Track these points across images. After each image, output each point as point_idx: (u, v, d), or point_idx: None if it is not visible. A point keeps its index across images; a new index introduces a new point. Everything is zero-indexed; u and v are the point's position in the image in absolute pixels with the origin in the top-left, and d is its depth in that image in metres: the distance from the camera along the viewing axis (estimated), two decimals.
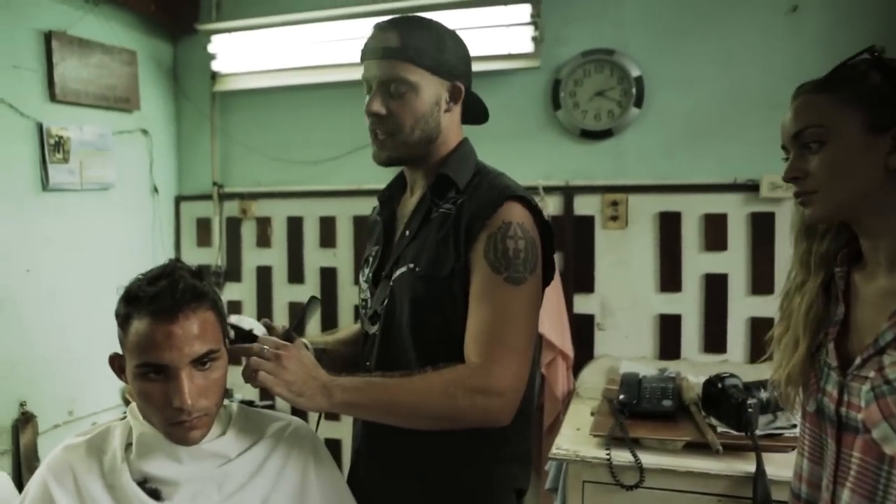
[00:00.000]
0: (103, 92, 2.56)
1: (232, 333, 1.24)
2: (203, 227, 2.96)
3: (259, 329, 1.28)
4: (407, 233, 1.32)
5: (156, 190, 2.85)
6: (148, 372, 1.08)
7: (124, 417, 1.20)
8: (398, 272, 1.28)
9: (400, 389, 1.16)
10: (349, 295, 2.75)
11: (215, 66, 2.83)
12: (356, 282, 1.49)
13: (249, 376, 1.13)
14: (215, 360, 1.12)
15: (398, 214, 1.40)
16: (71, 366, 2.44)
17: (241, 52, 2.80)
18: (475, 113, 1.40)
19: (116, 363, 1.16)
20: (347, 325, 1.72)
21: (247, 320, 1.30)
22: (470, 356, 1.18)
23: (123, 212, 2.70)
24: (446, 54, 1.28)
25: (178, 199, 2.99)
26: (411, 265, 1.27)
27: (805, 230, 1.11)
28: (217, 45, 2.80)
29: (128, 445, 1.15)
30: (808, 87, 1.02)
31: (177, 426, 1.09)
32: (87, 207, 2.53)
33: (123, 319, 1.11)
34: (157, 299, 1.07)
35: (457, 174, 1.29)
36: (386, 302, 1.30)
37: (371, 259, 1.41)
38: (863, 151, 0.96)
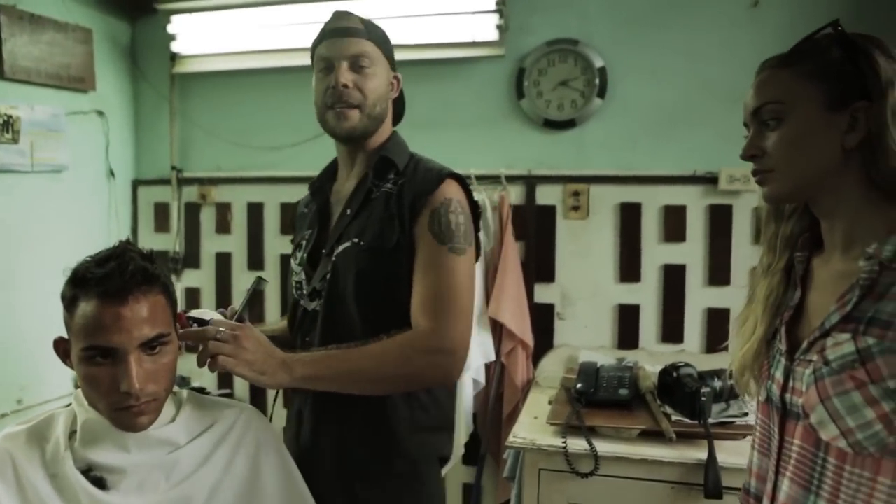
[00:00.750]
0: (56, 70, 2.48)
1: (195, 327, 1.24)
2: (161, 212, 2.90)
3: (218, 318, 1.29)
4: (348, 211, 1.40)
5: (112, 173, 2.78)
6: (95, 356, 1.05)
7: (69, 405, 1.17)
8: (341, 248, 1.36)
9: (359, 357, 1.23)
10: None
11: (175, 47, 2.77)
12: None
13: (205, 361, 1.13)
14: (165, 343, 1.10)
15: (331, 200, 1.48)
16: (21, 353, 2.37)
17: (202, 34, 2.74)
18: (397, 111, 1.52)
19: (61, 347, 1.12)
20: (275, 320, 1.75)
21: (208, 313, 1.32)
22: (419, 320, 1.28)
23: (78, 195, 2.63)
24: (391, 48, 1.43)
25: (136, 184, 2.93)
26: (355, 240, 1.35)
27: (773, 212, 1.07)
28: (177, 25, 2.73)
29: (72, 433, 1.12)
30: (770, 62, 0.99)
31: (124, 411, 1.07)
32: (39, 190, 2.46)
33: (70, 302, 1.07)
34: (106, 280, 1.05)
35: (397, 157, 1.40)
36: (328, 276, 1.36)
37: (304, 243, 1.47)
38: (821, 129, 0.92)
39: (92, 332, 1.04)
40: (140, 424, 1.08)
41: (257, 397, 2.79)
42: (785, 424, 0.98)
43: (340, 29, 1.36)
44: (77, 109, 2.61)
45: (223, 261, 2.84)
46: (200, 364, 1.13)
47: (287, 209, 2.75)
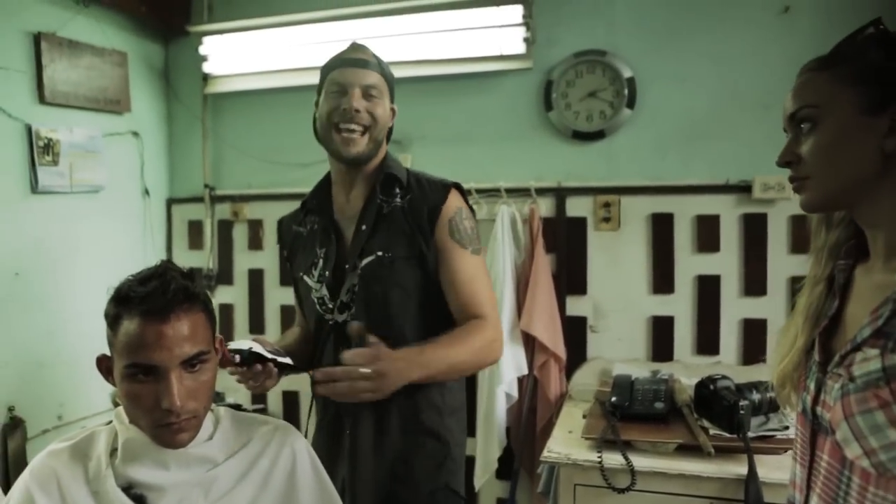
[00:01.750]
0: (94, 94, 2.55)
1: (237, 358, 1.34)
2: (195, 229, 2.95)
3: (257, 347, 1.39)
4: (363, 227, 1.50)
5: (147, 192, 2.84)
6: (137, 373, 1.07)
7: (110, 422, 1.19)
8: (365, 261, 1.48)
9: (457, 352, 1.39)
10: None
11: (207, 67, 2.82)
12: (300, 283, 1.62)
13: (322, 392, 1.23)
14: (205, 361, 1.12)
15: (337, 218, 1.57)
16: (60, 370, 2.42)
17: (232, 54, 2.79)
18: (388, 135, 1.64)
19: (104, 365, 1.14)
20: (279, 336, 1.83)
21: (245, 343, 1.40)
22: (472, 314, 1.44)
23: (114, 214, 2.68)
24: (394, 83, 1.58)
25: (170, 202, 2.98)
26: (380, 253, 1.47)
27: (822, 221, 1.03)
28: (208, 46, 2.79)
29: (113, 451, 1.14)
30: (810, 65, 0.95)
31: (164, 428, 1.08)
32: (78, 210, 2.52)
33: (113, 320, 1.09)
34: (149, 299, 1.07)
35: (399, 173, 1.54)
36: (357, 288, 1.48)
37: (321, 261, 1.55)
38: (857, 133, 0.88)
39: (135, 350, 1.06)
40: (180, 441, 1.10)
41: (290, 411, 2.81)
42: (816, 438, 0.95)
43: (357, 60, 1.50)
44: (113, 131, 2.67)
45: (256, 277, 2.87)
46: (322, 392, 1.23)
47: None
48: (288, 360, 1.45)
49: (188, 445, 1.12)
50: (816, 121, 0.91)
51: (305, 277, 1.58)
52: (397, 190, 1.51)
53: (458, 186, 1.54)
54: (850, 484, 0.87)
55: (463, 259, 1.47)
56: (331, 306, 1.51)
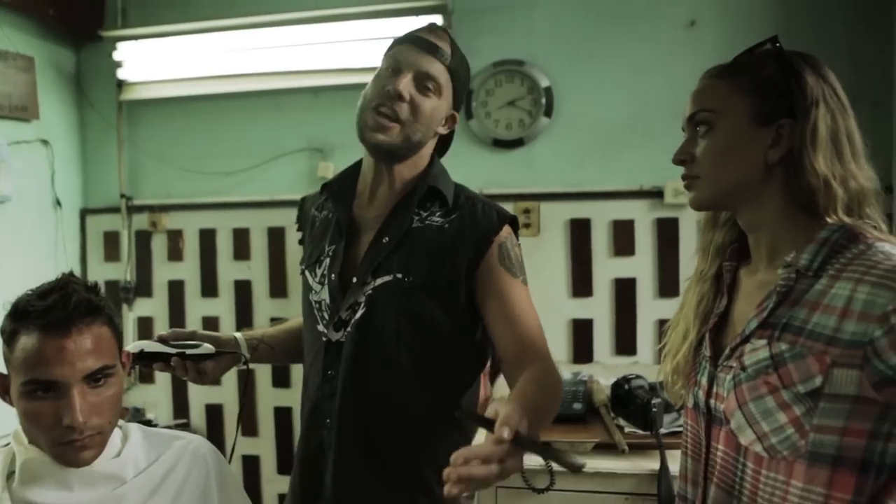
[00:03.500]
0: None
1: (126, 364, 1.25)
2: (111, 240, 2.85)
3: (150, 346, 1.32)
4: (385, 240, 1.28)
5: (58, 203, 2.73)
6: (36, 389, 1.03)
7: (7, 444, 1.14)
8: (379, 281, 1.26)
9: (546, 407, 1.14)
10: (265, 308, 2.70)
11: (121, 74, 2.74)
12: (302, 276, 1.43)
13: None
14: (109, 376, 1.09)
15: (356, 216, 1.35)
16: None
17: (148, 60, 2.71)
18: (443, 145, 1.44)
19: (0, 384, 1.10)
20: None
21: (139, 344, 1.32)
22: (533, 351, 1.22)
23: (21, 226, 2.56)
24: (464, 88, 1.38)
25: (84, 212, 2.87)
26: (398, 275, 1.25)
27: (710, 220, 1.09)
28: (123, 52, 2.70)
29: (10, 473, 1.09)
30: (711, 72, 1.01)
31: (66, 446, 1.05)
32: None
33: (10, 336, 1.05)
34: (48, 313, 1.03)
35: (445, 189, 1.32)
36: (363, 311, 1.26)
37: (329, 260, 1.34)
38: (746, 141, 0.95)
39: (33, 366, 1.02)
40: (83, 459, 1.06)
41: (214, 425, 2.75)
42: (710, 430, 1.00)
43: (426, 42, 1.28)
44: (20, 139, 2.55)
45: (176, 288, 2.80)
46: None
47: (240, 235, 2.73)
48: (202, 350, 1.35)
49: (93, 463, 1.08)
50: (712, 125, 0.98)
51: (307, 273, 1.39)
52: (437, 207, 1.31)
53: (515, 221, 1.34)
54: (745, 470, 0.93)
55: (516, 288, 1.26)
56: (327, 318, 1.31)
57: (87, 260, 2.87)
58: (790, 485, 0.87)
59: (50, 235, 2.71)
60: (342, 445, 1.27)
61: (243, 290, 2.72)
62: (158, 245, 2.81)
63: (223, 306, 2.73)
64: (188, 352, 1.34)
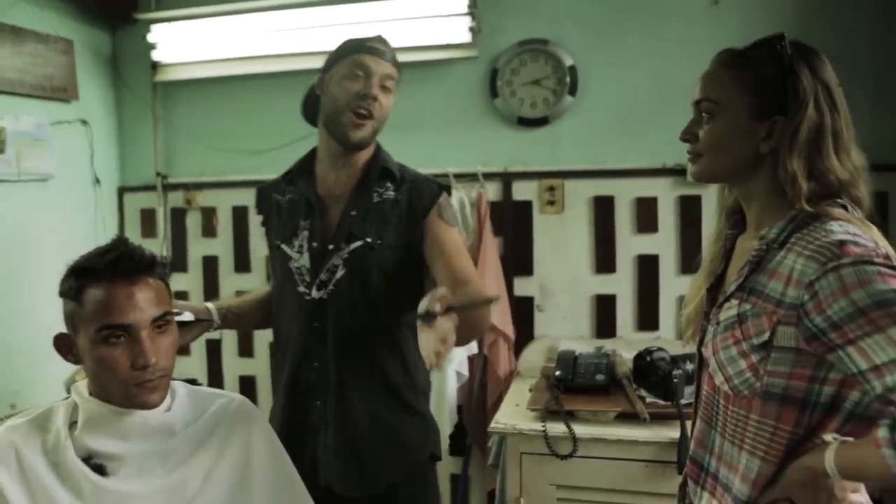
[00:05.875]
0: (39, 81, 2.52)
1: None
2: (147, 217, 2.95)
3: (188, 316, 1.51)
4: (353, 213, 1.56)
5: (97, 181, 2.83)
6: (109, 336, 1.12)
7: (68, 398, 1.23)
8: (353, 246, 1.54)
9: (468, 295, 1.40)
10: None
11: (156, 55, 2.81)
12: (275, 251, 1.67)
13: None
14: (169, 322, 1.19)
15: (321, 195, 1.62)
16: (14, 359, 2.41)
17: (182, 42, 2.79)
18: None
19: (62, 343, 1.19)
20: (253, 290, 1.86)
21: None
22: (460, 280, 1.46)
23: (64, 203, 2.67)
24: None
25: (121, 190, 2.97)
26: (369, 240, 1.54)
27: (723, 185, 1.24)
28: (157, 34, 2.78)
29: (72, 424, 1.17)
30: (721, 58, 1.13)
31: (139, 388, 1.14)
32: (26, 199, 2.50)
33: (76, 292, 1.14)
34: (116, 265, 1.14)
35: (392, 167, 1.63)
36: (344, 271, 1.54)
37: (305, 232, 1.60)
38: (743, 134, 1.08)
39: (106, 313, 1.11)
40: (153, 401, 1.16)
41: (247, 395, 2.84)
42: (701, 373, 1.18)
43: (383, 51, 1.56)
44: (61, 119, 2.65)
45: (210, 264, 2.89)
46: None
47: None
48: (185, 318, 1.50)
49: (147, 416, 1.16)
50: (714, 114, 1.10)
51: (283, 246, 1.62)
52: (389, 183, 1.60)
53: (448, 189, 1.65)
54: (718, 405, 1.13)
55: (450, 233, 1.57)
56: (308, 280, 1.56)
57: (125, 236, 2.96)
58: (749, 418, 1.07)
59: (90, 212, 2.81)
60: (334, 377, 1.54)
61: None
62: (193, 222, 2.91)
63: (255, 281, 2.82)
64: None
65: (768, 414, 1.04)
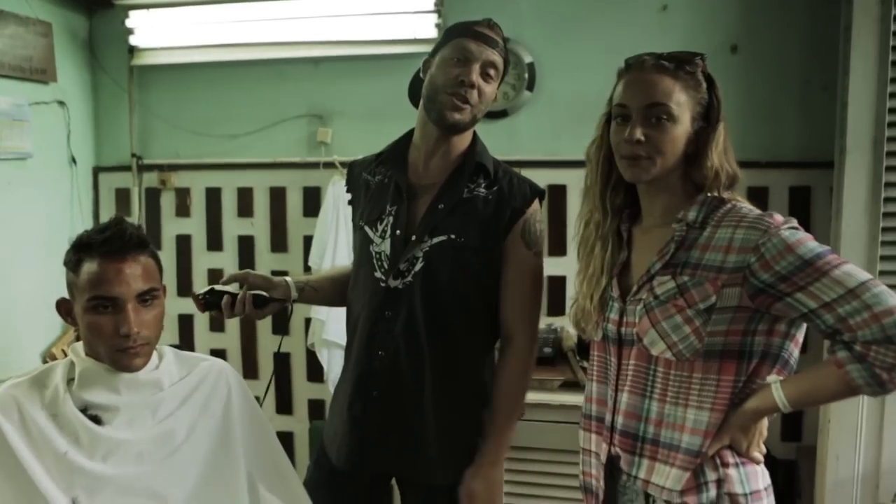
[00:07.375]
0: (18, 63, 2.61)
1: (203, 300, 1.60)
2: (122, 197, 3.05)
3: (219, 286, 1.61)
4: (440, 206, 1.52)
5: (74, 161, 2.92)
6: (98, 305, 1.26)
7: (66, 357, 1.37)
8: (436, 240, 1.51)
9: (517, 403, 1.56)
10: (266, 262, 2.92)
11: (133, 40, 2.91)
12: (358, 231, 1.65)
13: None
14: (155, 297, 1.33)
15: (412, 182, 1.58)
16: None
17: (158, 28, 2.89)
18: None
19: (63, 307, 1.33)
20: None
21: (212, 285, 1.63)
22: (517, 325, 1.53)
23: (42, 182, 2.76)
24: (507, 71, 1.60)
25: (97, 170, 3.07)
26: (453, 236, 1.50)
27: (601, 173, 1.36)
28: (135, 20, 2.87)
29: (69, 380, 1.31)
30: (658, 66, 1.23)
31: (122, 353, 1.27)
32: (4, 177, 2.59)
33: (75, 263, 1.28)
34: (108, 243, 1.27)
35: (488, 164, 1.57)
36: (423, 264, 1.51)
37: (391, 217, 1.56)
38: (683, 138, 1.23)
39: (97, 285, 1.25)
40: (135, 365, 1.29)
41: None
42: (622, 352, 1.29)
43: (489, 37, 1.50)
44: (39, 100, 2.74)
45: (184, 242, 3.01)
46: None
47: (243, 193, 2.94)
48: (263, 294, 1.57)
49: (137, 373, 1.31)
50: (671, 119, 1.23)
51: (367, 228, 1.59)
52: (482, 179, 1.54)
53: (543, 194, 1.60)
54: (656, 373, 1.23)
55: (524, 264, 1.53)
56: (386, 267, 1.53)
57: (99, 214, 3.07)
58: (692, 377, 1.19)
59: (66, 191, 2.91)
60: (397, 369, 1.52)
61: (246, 245, 2.95)
62: (167, 202, 3.02)
63: (227, 260, 2.95)
64: (254, 292, 1.58)
65: (711, 370, 1.17)
